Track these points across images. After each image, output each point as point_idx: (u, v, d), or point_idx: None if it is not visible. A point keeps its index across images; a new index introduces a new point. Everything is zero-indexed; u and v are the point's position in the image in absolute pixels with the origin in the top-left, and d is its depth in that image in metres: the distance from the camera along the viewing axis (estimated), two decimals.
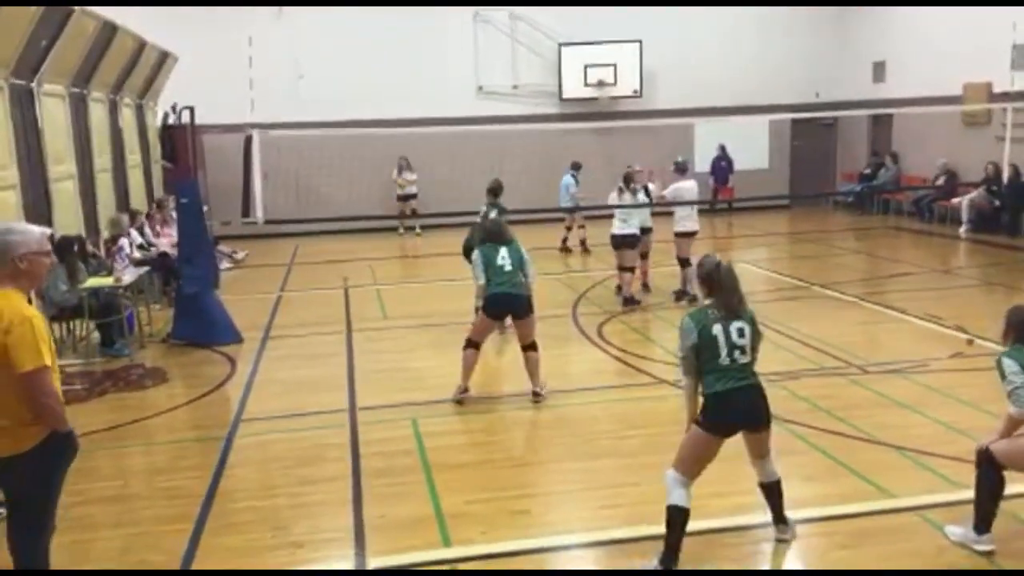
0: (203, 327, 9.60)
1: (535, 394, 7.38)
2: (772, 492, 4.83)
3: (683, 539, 4.55)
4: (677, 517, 4.53)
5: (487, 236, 7.65)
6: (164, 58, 15.86)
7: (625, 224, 10.69)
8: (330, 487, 5.81)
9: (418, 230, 18.04)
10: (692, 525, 4.63)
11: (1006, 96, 15.19)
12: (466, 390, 7.44)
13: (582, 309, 10.78)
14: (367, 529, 5.20)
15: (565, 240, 15.44)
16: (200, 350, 9.39)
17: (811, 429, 6.32)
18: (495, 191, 10.22)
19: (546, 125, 18.53)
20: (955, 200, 16.54)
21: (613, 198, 11.02)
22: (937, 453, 5.87)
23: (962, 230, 15.93)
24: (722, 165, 19.22)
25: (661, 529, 4.63)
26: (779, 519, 4.88)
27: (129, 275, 9.86)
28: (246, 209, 10.04)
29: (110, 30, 12.16)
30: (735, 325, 4.55)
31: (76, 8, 10.42)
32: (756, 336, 4.65)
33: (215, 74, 17.54)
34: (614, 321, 10.17)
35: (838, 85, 20.13)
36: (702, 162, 19.42)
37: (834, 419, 6.16)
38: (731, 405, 4.51)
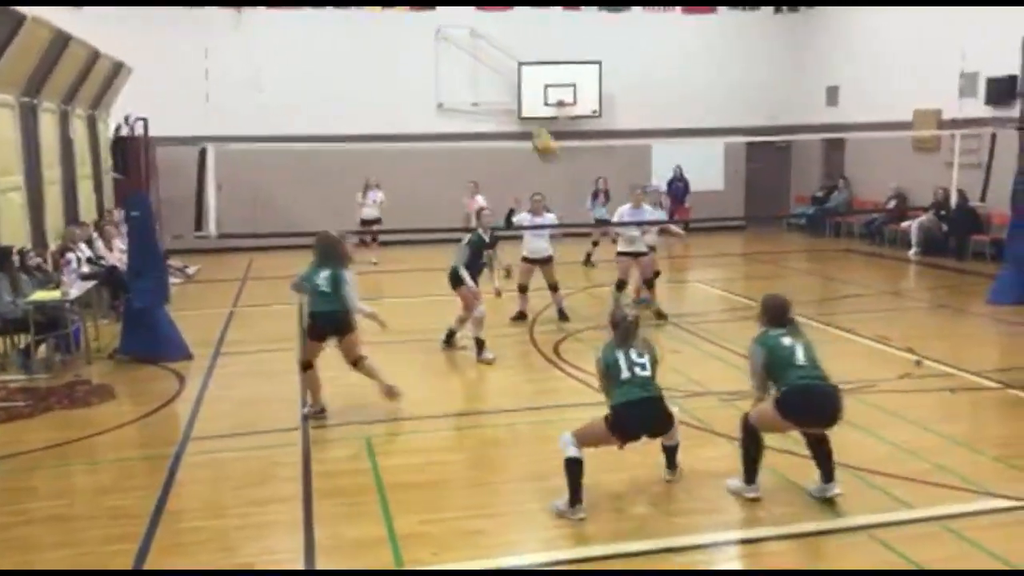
0: (152, 343, 9.41)
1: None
2: (670, 451, 5.84)
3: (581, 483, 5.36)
4: (578, 467, 5.38)
5: (316, 257, 7.70)
6: (118, 69, 15.62)
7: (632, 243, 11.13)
8: (281, 507, 5.70)
9: (374, 260, 15.69)
10: (640, 545, 4.63)
11: (954, 123, 15.59)
12: (322, 410, 7.46)
13: (538, 328, 10.78)
14: (318, 550, 5.10)
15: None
16: (148, 366, 9.19)
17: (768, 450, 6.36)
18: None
19: (506, 143, 18.60)
20: (905, 224, 16.90)
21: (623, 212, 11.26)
22: (887, 473, 5.95)
23: (911, 253, 16.28)
24: (679, 186, 19.44)
25: (614, 549, 4.78)
26: (672, 466, 5.89)
27: (77, 289, 9.63)
28: (199, 223, 9.87)
29: (63, 39, 11.94)
30: (634, 350, 5.49)
31: (28, 16, 10.21)
32: (654, 362, 5.54)
33: (170, 86, 17.37)
34: (570, 340, 10.17)
35: (792, 109, 20.53)
36: (659, 183, 19.61)
37: (785, 438, 6.20)
38: (635, 414, 5.40)
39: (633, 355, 5.45)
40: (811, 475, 5.81)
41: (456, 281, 9.52)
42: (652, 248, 11.43)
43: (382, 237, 15.99)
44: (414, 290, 13.76)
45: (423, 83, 19.21)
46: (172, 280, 13.59)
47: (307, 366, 7.57)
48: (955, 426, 7.01)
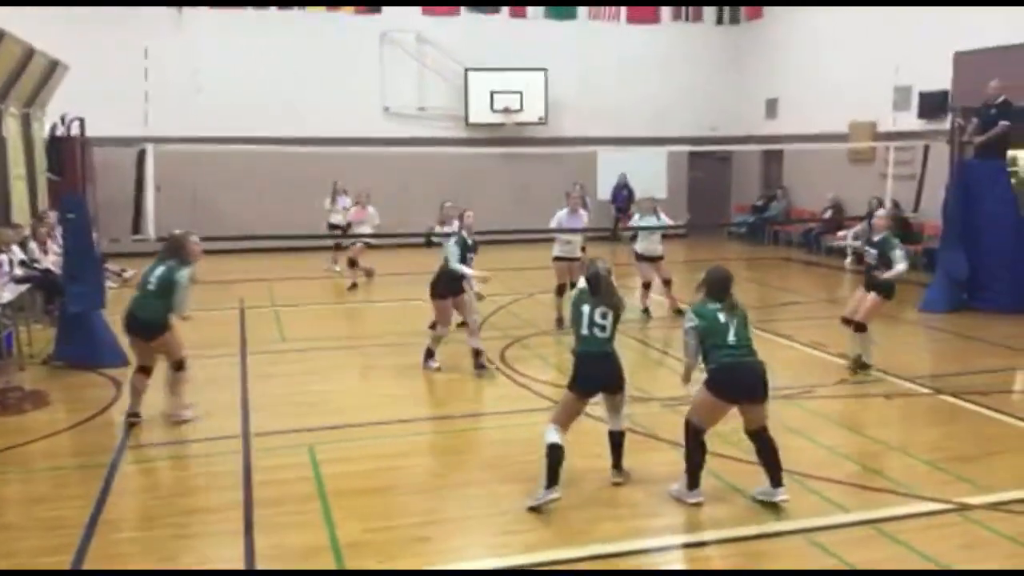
0: (87, 348, 9.19)
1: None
2: (616, 439, 6.02)
3: (560, 468, 5.58)
4: (556, 452, 5.61)
5: (161, 252, 7.61)
6: (54, 67, 15.18)
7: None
8: (220, 516, 5.60)
9: (338, 267, 15.28)
10: (585, 551, 4.69)
11: (889, 135, 16.08)
12: (136, 415, 7.32)
13: (485, 333, 10.77)
14: (258, 559, 5.03)
15: None
16: (84, 372, 8.96)
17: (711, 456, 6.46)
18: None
19: (452, 149, 18.60)
20: (841, 233, 17.29)
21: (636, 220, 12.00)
22: (824, 477, 6.09)
23: (847, 262, 16.64)
24: (623, 194, 19.66)
25: (564, 555, 4.86)
26: (618, 466, 6.03)
27: (9, 292, 9.35)
28: (137, 226, 9.68)
29: None
30: (599, 309, 5.80)
31: None
32: (616, 321, 5.87)
33: (109, 86, 16.97)
34: (516, 346, 10.20)
35: (733, 120, 20.94)
36: (604, 190, 19.84)
37: (727, 443, 6.32)
38: (589, 369, 5.81)
39: (597, 315, 5.78)
40: (752, 480, 5.93)
41: (442, 289, 9.02)
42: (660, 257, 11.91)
43: (329, 243, 15.76)
44: (356, 295, 13.67)
45: (369, 87, 19.11)
46: (109, 284, 13.25)
47: (139, 369, 7.41)
48: (889, 431, 7.22)
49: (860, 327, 8.86)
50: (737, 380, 5.55)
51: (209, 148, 15.43)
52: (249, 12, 18.40)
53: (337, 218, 15.36)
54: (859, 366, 8.85)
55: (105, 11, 17.46)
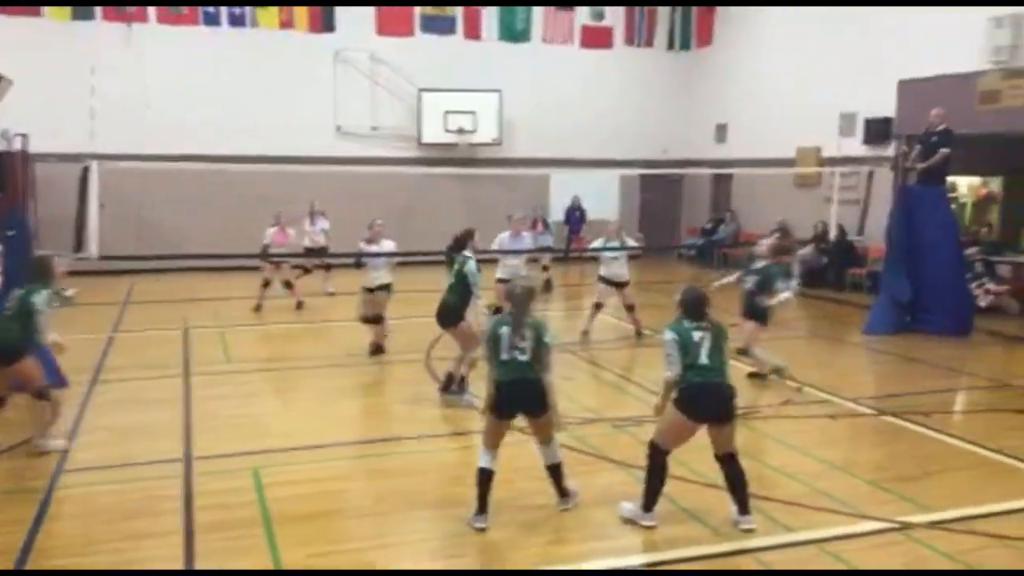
0: None
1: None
2: (554, 471, 5.85)
3: (488, 490, 5.62)
4: (483, 476, 5.65)
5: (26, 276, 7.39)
6: None
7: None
8: (160, 542, 5.45)
9: (332, 289, 15.05)
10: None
11: (834, 161, 16.43)
12: None
13: (436, 353, 10.72)
14: None
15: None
16: (19, 394, 8.66)
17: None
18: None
19: (405, 168, 18.55)
20: (787, 256, 17.60)
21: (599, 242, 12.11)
22: (770, 497, 6.13)
23: (793, 283, 16.95)
24: (575, 215, 19.77)
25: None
26: (562, 494, 5.89)
27: None
28: (79, 243, 9.46)
29: None
30: (519, 331, 5.66)
31: None
32: (539, 345, 5.66)
33: (54, 101, 16.68)
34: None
35: (684, 144, 21.26)
36: (557, 211, 19.94)
37: (675, 463, 6.33)
38: (507, 394, 5.67)
39: (516, 338, 5.65)
40: (703, 501, 5.96)
41: (456, 316, 8.51)
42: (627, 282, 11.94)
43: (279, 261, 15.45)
44: (308, 315, 13.50)
45: (322, 106, 18.99)
46: None
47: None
48: (833, 451, 7.31)
49: (742, 351, 9.14)
50: (706, 400, 5.56)
51: (156, 166, 15.16)
52: (201, 28, 18.20)
53: (318, 240, 14.90)
54: (776, 372, 9.21)
55: (52, 25, 17.17)
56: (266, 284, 13.72)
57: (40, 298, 6.98)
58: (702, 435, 5.69)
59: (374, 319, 10.64)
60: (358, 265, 10.89)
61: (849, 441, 7.77)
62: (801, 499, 6.13)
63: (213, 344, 11.34)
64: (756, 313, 9.22)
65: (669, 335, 5.65)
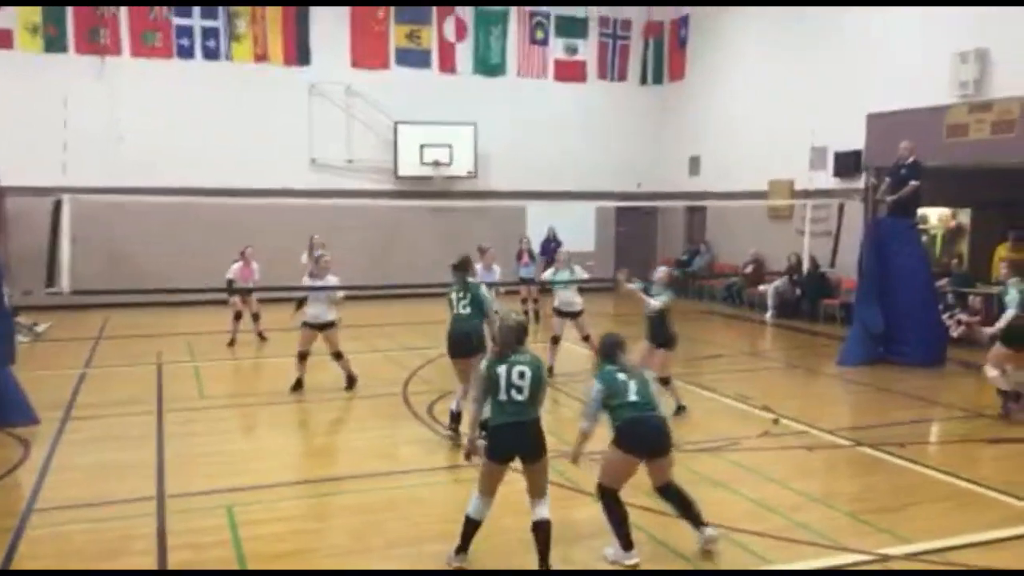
0: None
1: None
2: (543, 531, 5.37)
3: (470, 541, 5.48)
4: (468, 525, 5.50)
5: None
6: None
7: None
8: None
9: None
10: None
11: (806, 193, 16.66)
12: None
13: (412, 388, 10.66)
14: None
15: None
16: None
17: (632, 507, 6.44)
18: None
19: (381, 201, 18.56)
20: (761, 287, 17.81)
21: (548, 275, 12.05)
22: (748, 530, 6.13)
23: (768, 315, 17.13)
24: (552, 247, 19.83)
25: None
26: (543, 563, 5.37)
27: None
28: (51, 278, 9.35)
29: None
30: (516, 368, 5.42)
31: None
32: (536, 383, 5.44)
33: (26, 134, 16.59)
34: (446, 399, 10.09)
35: (658, 177, 21.49)
36: (533, 243, 19.97)
37: (653, 497, 6.33)
38: (505, 437, 5.44)
39: (514, 375, 5.41)
40: (674, 534, 5.94)
41: (480, 345, 8.16)
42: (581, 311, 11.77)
43: (261, 295, 15.30)
44: (284, 350, 13.39)
45: (296, 138, 19.00)
46: (20, 339, 12.72)
47: None
48: (811, 483, 7.34)
49: (664, 381, 9.09)
50: (643, 434, 5.61)
51: (129, 199, 15.07)
52: (175, 61, 18.18)
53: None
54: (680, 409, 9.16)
55: (24, 57, 17.08)
56: (238, 317, 13.66)
57: None
58: (680, 474, 5.70)
59: (335, 356, 10.41)
60: (300, 302, 10.72)
61: (826, 473, 7.80)
62: (780, 532, 6.13)
63: (187, 379, 11.20)
64: (665, 341, 9.25)
65: (597, 385, 5.70)
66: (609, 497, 5.65)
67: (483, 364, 5.66)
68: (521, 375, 5.41)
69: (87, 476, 7.34)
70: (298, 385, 10.36)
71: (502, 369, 5.44)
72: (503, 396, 5.42)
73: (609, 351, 5.92)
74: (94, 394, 10.33)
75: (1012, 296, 9.53)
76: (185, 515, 6.44)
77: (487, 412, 5.69)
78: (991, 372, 9.52)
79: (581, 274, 12.09)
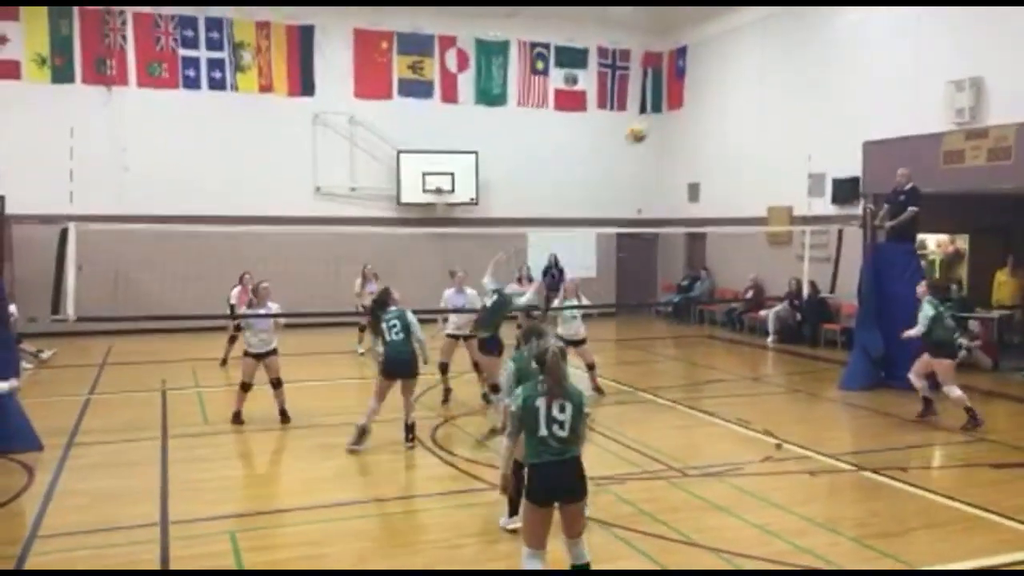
0: None
1: None
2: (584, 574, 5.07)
3: None
4: None
5: None
6: None
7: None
8: None
9: (361, 349, 15.32)
10: None
11: (804, 220, 16.76)
12: None
13: (415, 413, 10.66)
14: None
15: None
16: None
17: (635, 533, 6.48)
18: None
19: (384, 228, 18.68)
20: (762, 312, 17.86)
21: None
22: (751, 555, 6.14)
23: (769, 340, 17.17)
24: (554, 273, 19.91)
25: None
26: None
27: None
28: (56, 305, 9.41)
29: None
30: (557, 401, 4.99)
31: None
32: (578, 416, 5.03)
33: (33, 162, 16.77)
34: (447, 425, 10.12)
35: (658, 203, 21.64)
36: (535, 271, 20.05)
37: (656, 522, 6.35)
38: (547, 477, 4.96)
39: (555, 409, 4.96)
40: (678, 559, 5.94)
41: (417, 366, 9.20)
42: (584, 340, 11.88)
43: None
44: (290, 375, 13.41)
45: (300, 167, 19.18)
46: (24, 365, 12.77)
47: None
48: (814, 507, 7.34)
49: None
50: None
51: (134, 227, 15.17)
52: (180, 92, 18.39)
53: (368, 301, 15.08)
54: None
55: (32, 87, 17.30)
56: (232, 340, 13.85)
57: None
58: (684, 499, 5.71)
59: (275, 383, 10.32)
60: (237, 329, 10.82)
61: (829, 497, 7.80)
62: (784, 557, 6.13)
63: (191, 405, 11.23)
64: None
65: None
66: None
67: (519, 397, 5.09)
68: (562, 408, 4.98)
69: (91, 502, 7.35)
70: (237, 418, 10.18)
71: (541, 402, 4.98)
72: (543, 432, 4.95)
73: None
74: (98, 420, 10.36)
75: (925, 312, 10.23)
76: (189, 541, 6.45)
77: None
78: (915, 379, 10.44)
79: (584, 303, 12.19)
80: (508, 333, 10.17)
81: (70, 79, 17.67)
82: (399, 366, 9.06)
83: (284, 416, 10.26)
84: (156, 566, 5.98)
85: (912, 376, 10.52)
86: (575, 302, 12.00)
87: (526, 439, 5.03)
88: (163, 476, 8.09)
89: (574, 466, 5.00)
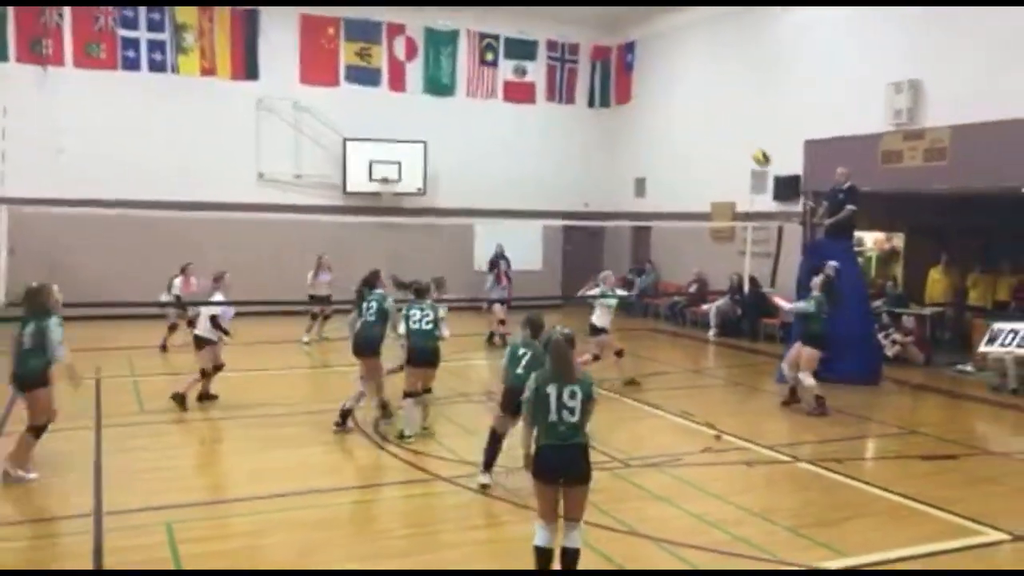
0: None
1: None
2: (568, 558, 5.23)
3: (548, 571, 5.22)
4: (538, 555, 5.24)
5: (24, 310, 7.97)
6: None
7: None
8: None
9: (306, 339, 15.29)
10: None
11: (747, 216, 17.03)
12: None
13: (361, 403, 10.58)
14: None
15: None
16: None
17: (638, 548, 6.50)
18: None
19: (329, 217, 18.46)
20: (704, 306, 18.12)
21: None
22: (691, 544, 6.23)
23: (711, 334, 17.43)
24: (499, 264, 19.90)
25: None
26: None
27: None
28: None
29: None
30: (568, 388, 5.21)
31: None
32: (587, 402, 5.26)
33: None
34: (393, 416, 10.05)
35: (605, 197, 21.78)
36: (481, 261, 20.05)
37: (600, 512, 6.40)
38: (550, 458, 5.22)
39: (565, 395, 5.20)
40: (620, 548, 5.99)
41: (376, 349, 9.41)
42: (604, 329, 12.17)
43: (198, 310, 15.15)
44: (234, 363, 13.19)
45: (243, 152, 18.84)
46: None
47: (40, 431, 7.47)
48: (751, 497, 7.48)
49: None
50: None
51: (69, 211, 14.75)
52: (118, 73, 17.91)
53: (320, 291, 15.27)
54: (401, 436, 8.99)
55: None
56: (172, 328, 14.01)
57: (55, 321, 7.77)
58: (626, 489, 5.76)
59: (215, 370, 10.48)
60: (190, 324, 11.09)
61: (766, 488, 7.96)
62: (721, 546, 6.24)
63: (127, 394, 10.98)
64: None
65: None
66: (493, 437, 7.29)
67: (531, 384, 5.34)
68: (572, 395, 5.22)
69: (20, 494, 7.15)
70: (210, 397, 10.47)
71: (552, 389, 5.22)
72: (553, 417, 5.20)
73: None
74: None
75: (818, 300, 10.85)
76: (123, 532, 6.30)
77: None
78: (787, 368, 11.13)
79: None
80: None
81: (3, 57, 17.11)
82: (360, 346, 9.34)
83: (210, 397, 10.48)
84: (89, 557, 5.82)
85: (785, 365, 11.20)
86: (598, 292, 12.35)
87: (537, 423, 5.28)
88: (96, 465, 7.90)
89: (578, 451, 5.21)
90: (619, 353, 12.20)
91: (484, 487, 7.28)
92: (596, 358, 12.10)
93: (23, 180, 16.29)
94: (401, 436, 8.88)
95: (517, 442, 7.91)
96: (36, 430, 7.48)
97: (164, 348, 14.11)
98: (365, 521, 6.75)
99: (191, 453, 8.75)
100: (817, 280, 11.19)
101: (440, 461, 8.19)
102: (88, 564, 5.74)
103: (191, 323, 14.61)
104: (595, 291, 12.46)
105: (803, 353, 10.82)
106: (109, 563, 5.76)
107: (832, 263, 11.66)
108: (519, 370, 7.14)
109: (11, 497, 7.03)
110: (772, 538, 6.45)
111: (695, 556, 6.04)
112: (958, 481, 8.08)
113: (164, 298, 14.25)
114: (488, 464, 7.39)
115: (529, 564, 5.80)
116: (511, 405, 7.19)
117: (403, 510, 7.02)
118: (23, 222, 10.99)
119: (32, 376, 7.50)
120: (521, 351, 7.26)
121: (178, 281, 14.19)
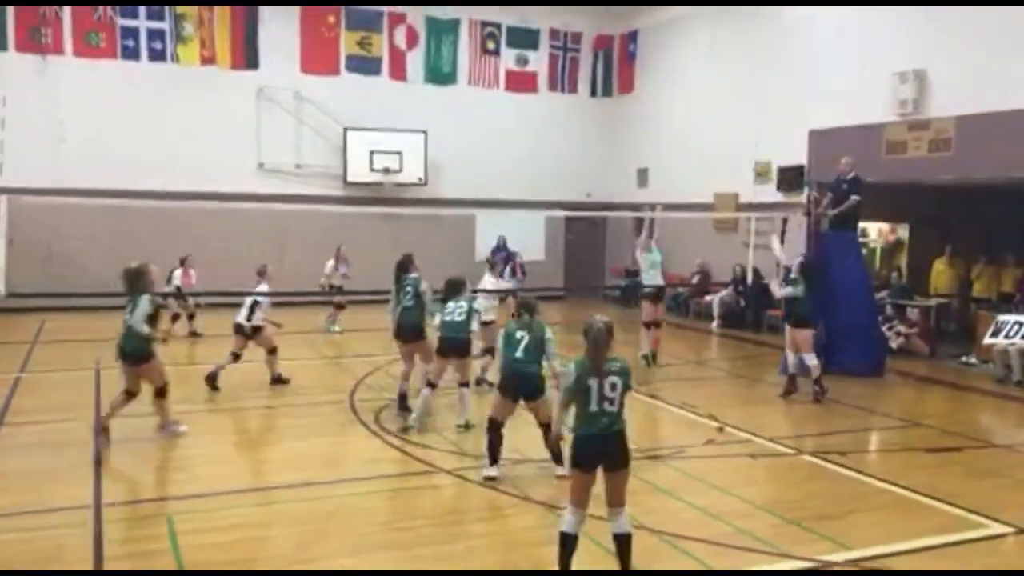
0: None
1: None
2: (621, 544, 5.30)
3: (570, 561, 5.23)
4: (564, 541, 5.25)
5: (125, 289, 8.46)
6: None
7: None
8: None
9: (337, 327, 15.55)
10: None
11: (750, 206, 16.95)
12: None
13: (360, 395, 10.56)
14: None
15: None
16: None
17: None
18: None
19: (330, 207, 18.41)
20: (707, 298, 18.06)
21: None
22: (693, 537, 6.18)
23: (713, 325, 17.37)
24: (501, 255, 19.86)
25: None
26: (626, 565, 5.31)
27: None
28: None
29: None
30: (609, 380, 5.24)
31: None
32: (626, 392, 5.32)
33: None
34: (392, 407, 10.01)
35: (607, 187, 21.69)
36: (483, 251, 20.00)
37: (602, 505, 6.34)
38: (589, 447, 5.25)
39: (606, 386, 5.21)
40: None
41: (421, 332, 9.63)
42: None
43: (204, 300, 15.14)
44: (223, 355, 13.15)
45: (243, 142, 18.76)
46: None
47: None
48: (755, 490, 7.44)
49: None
50: (515, 384, 7.32)
51: (70, 200, 14.70)
52: (119, 63, 17.83)
53: (337, 281, 15.57)
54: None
55: None
56: (175, 319, 14.12)
57: (146, 299, 8.27)
58: (629, 481, 5.70)
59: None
60: (191, 316, 11.76)
61: (770, 480, 7.91)
62: (725, 539, 6.20)
63: None
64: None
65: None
66: (493, 426, 7.29)
67: (571, 374, 5.33)
68: (613, 387, 5.24)
69: (21, 484, 7.11)
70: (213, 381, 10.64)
71: (594, 382, 5.21)
72: (594, 407, 5.22)
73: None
74: (29, 399, 10.04)
75: (798, 287, 10.92)
76: (122, 524, 6.29)
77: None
78: (790, 355, 11.15)
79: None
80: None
81: (2, 47, 17.03)
82: (404, 331, 9.55)
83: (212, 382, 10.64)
84: (88, 549, 5.79)
85: (789, 353, 11.18)
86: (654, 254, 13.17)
87: (577, 412, 5.29)
88: (96, 457, 7.85)
89: (617, 438, 5.26)
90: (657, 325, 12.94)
91: (491, 479, 7.25)
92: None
93: (23, 170, 16.27)
94: (404, 428, 8.84)
95: (518, 433, 7.89)
96: (160, 391, 8.37)
97: (164, 340, 14.02)
98: (366, 514, 6.71)
99: (191, 444, 8.69)
100: (794, 264, 11.45)
101: (441, 453, 8.14)
102: (88, 555, 5.70)
103: (191, 316, 14.74)
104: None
105: (796, 336, 10.93)
106: (109, 555, 5.73)
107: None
108: (518, 353, 7.23)
109: (8, 488, 6.99)
110: (776, 531, 6.41)
111: (699, 549, 5.99)
112: (962, 474, 8.03)
113: (165, 290, 14.23)
114: (494, 457, 7.36)
115: (532, 556, 5.78)
116: (511, 390, 7.20)
117: (403, 502, 6.98)
118: (24, 212, 10.95)
119: (138, 352, 8.19)
120: (519, 334, 7.32)
121: (178, 273, 14.23)
